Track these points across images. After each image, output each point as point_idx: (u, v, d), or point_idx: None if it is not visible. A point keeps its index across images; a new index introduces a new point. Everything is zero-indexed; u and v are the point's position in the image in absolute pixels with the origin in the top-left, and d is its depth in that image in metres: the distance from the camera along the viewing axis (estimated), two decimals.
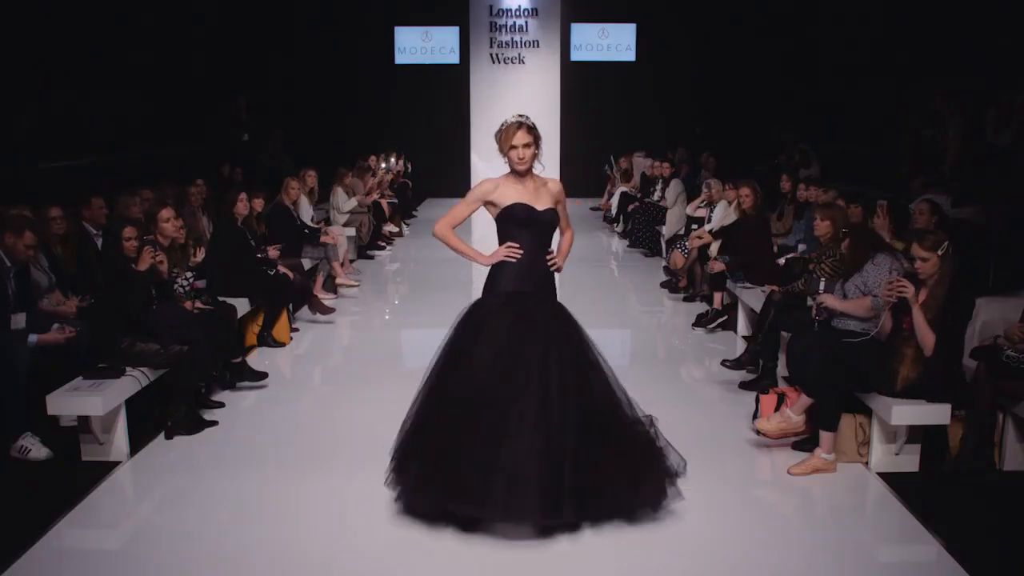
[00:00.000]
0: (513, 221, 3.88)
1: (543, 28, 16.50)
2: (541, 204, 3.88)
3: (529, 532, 3.64)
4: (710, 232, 7.86)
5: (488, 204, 3.91)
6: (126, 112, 10.62)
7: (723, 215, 7.81)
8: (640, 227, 10.94)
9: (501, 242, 3.89)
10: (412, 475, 3.70)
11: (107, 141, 9.77)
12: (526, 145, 3.81)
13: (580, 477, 3.51)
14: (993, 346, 4.30)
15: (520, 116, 3.88)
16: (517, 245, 3.85)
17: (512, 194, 3.87)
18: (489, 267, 3.92)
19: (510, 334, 3.72)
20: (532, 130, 3.84)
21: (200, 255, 5.79)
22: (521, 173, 3.87)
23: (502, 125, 3.89)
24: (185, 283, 5.46)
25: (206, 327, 5.09)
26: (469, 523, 3.65)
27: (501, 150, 3.89)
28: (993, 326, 4.77)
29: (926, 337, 4.13)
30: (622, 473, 3.65)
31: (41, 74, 9.19)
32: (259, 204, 7.18)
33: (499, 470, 3.48)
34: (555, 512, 3.50)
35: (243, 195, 6.72)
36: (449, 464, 3.56)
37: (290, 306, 7.00)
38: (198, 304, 5.42)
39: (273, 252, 6.79)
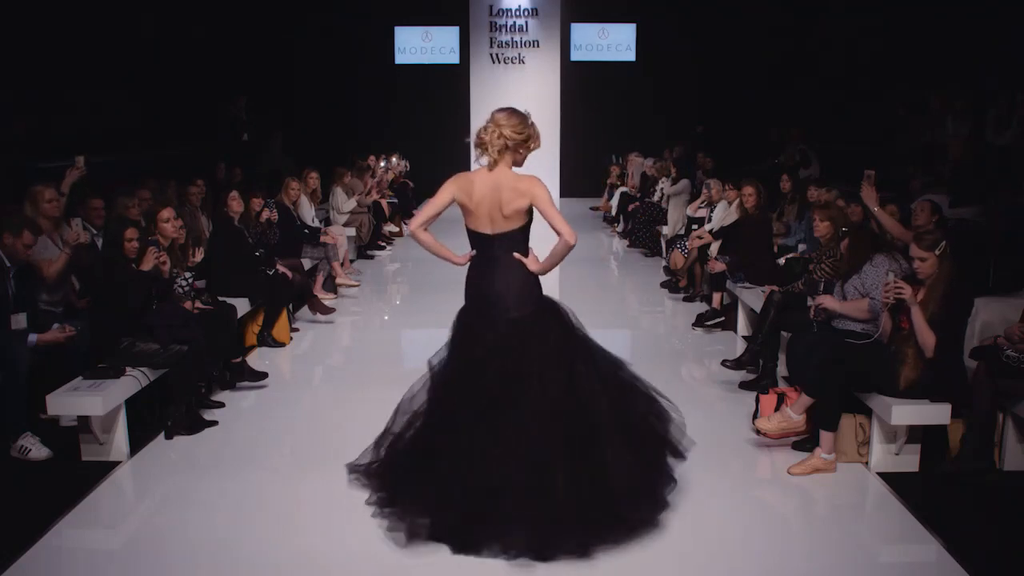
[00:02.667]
0: None
1: (543, 28, 16.42)
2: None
3: None
4: (710, 232, 7.87)
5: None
6: (126, 112, 10.62)
7: (723, 215, 7.81)
8: (640, 227, 10.94)
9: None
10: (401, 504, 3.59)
11: (107, 141, 9.76)
12: None
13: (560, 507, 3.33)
14: (993, 346, 4.29)
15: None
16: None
17: None
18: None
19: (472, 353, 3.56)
20: None
21: (199, 255, 5.79)
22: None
23: (531, 120, 3.59)
24: (185, 283, 5.45)
25: (206, 327, 5.09)
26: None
27: (528, 146, 3.59)
28: (993, 326, 4.77)
29: (926, 338, 4.13)
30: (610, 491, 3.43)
31: (41, 74, 9.19)
32: (257, 204, 7.18)
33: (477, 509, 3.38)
34: (540, 552, 3.33)
35: (234, 193, 6.72)
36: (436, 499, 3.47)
37: (290, 306, 7.00)
38: (198, 304, 5.42)
39: (281, 268, 6.79)
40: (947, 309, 4.16)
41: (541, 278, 3.67)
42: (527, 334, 3.52)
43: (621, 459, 3.46)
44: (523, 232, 3.59)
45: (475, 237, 3.62)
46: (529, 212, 3.56)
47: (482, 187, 3.54)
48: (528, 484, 3.33)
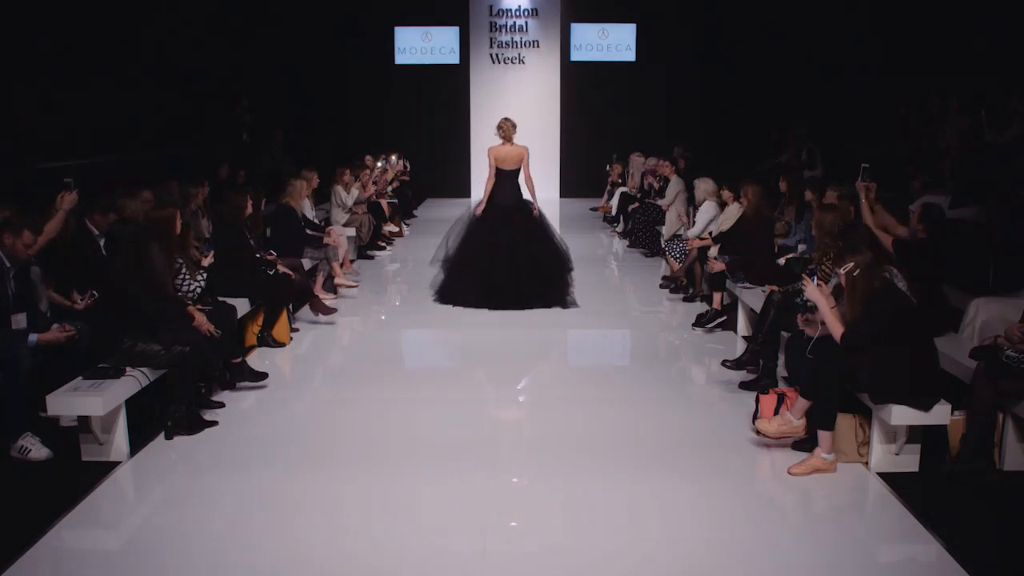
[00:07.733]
0: None
1: (543, 28, 16.51)
2: None
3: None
4: (710, 235, 7.86)
5: None
6: (127, 112, 10.62)
7: (712, 214, 7.87)
8: (640, 227, 10.94)
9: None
10: (444, 285, 7.95)
11: (107, 141, 9.76)
12: None
13: (530, 289, 7.70)
14: (993, 346, 4.29)
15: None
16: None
17: None
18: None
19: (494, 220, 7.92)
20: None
21: (211, 258, 5.78)
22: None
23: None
24: (196, 284, 5.42)
25: None
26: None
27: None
28: (993, 326, 4.77)
29: (833, 329, 4.26)
30: (550, 288, 7.85)
31: (41, 74, 9.19)
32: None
33: (488, 284, 7.69)
34: (517, 305, 7.58)
35: (247, 197, 6.71)
36: (465, 281, 7.83)
37: (290, 306, 7.00)
38: (198, 305, 5.39)
39: (282, 268, 6.76)
40: (881, 319, 4.13)
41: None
42: (513, 211, 7.87)
43: (554, 266, 7.97)
44: (519, 171, 7.86)
45: (501, 172, 7.86)
46: (522, 160, 7.91)
47: (505, 151, 7.86)
48: (514, 273, 7.71)
